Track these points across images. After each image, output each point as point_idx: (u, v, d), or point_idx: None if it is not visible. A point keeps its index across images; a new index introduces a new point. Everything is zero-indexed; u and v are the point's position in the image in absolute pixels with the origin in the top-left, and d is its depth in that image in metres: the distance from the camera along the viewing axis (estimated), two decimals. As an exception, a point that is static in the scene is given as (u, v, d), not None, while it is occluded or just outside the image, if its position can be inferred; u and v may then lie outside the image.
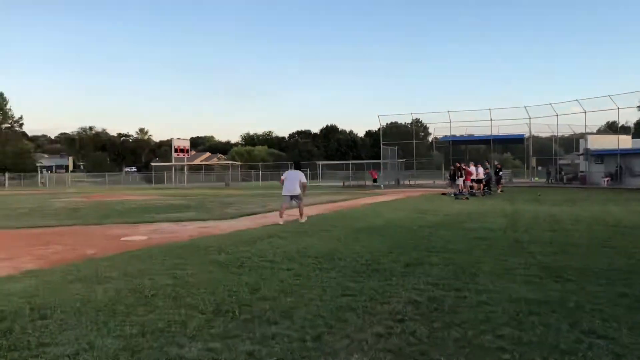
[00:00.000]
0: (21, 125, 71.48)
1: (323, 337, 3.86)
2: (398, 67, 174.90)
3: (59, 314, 4.46)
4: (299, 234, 9.93)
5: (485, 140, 44.53)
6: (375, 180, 43.15)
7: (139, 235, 10.15)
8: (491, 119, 41.98)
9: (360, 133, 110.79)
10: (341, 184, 43.36)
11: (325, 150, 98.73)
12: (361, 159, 65.26)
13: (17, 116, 70.11)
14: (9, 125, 69.16)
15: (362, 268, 6.45)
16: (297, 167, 13.42)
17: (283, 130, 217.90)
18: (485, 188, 26.80)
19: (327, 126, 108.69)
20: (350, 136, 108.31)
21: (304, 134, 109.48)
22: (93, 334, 3.92)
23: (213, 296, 5.05)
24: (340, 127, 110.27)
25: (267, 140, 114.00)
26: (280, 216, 12.28)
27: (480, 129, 44.01)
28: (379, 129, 52.01)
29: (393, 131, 53.46)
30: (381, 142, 44.04)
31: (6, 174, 65.39)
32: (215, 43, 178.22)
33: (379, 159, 43.89)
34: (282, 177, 12.99)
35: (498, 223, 11.75)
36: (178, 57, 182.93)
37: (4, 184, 63.92)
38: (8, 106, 68.61)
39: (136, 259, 7.22)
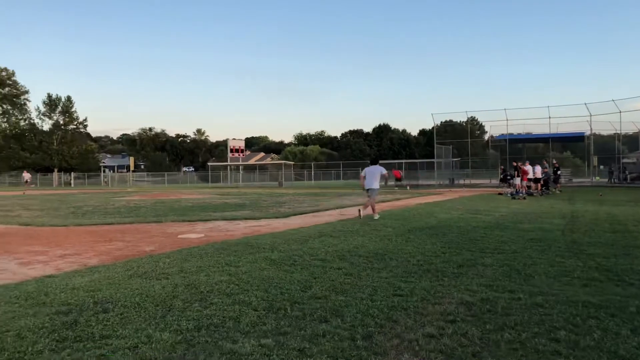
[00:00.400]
0: (85, 126, 74.73)
1: (373, 336, 3.87)
2: (452, 64, 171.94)
3: (120, 307, 4.67)
4: (350, 233, 9.95)
5: (544, 139, 43.09)
6: (398, 180, 42.61)
7: (195, 233, 10.45)
8: (550, 117, 40.56)
9: (414, 132, 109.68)
10: (393, 183, 43.04)
11: (378, 149, 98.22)
12: (414, 158, 64.56)
13: (81, 118, 73.34)
14: (75, 127, 72.40)
15: (413, 268, 6.41)
16: (375, 162, 13.63)
17: (335, 129, 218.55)
18: (543, 188, 25.96)
19: (379, 125, 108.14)
20: (403, 135, 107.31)
21: (356, 133, 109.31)
22: (151, 328, 4.09)
23: (265, 293, 5.15)
24: (393, 126, 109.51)
25: (320, 139, 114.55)
26: (374, 211, 12.96)
27: (539, 127, 42.74)
28: (432, 128, 51.20)
29: (447, 129, 52.65)
30: (435, 140, 43.36)
31: (72, 174, 68.69)
32: (267, 45, 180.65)
33: (433, 157, 43.26)
34: (362, 174, 13.51)
35: (556, 224, 11.37)
36: (234, 60, 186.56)
37: (70, 183, 67.14)
38: (74, 108, 71.88)
39: (193, 255, 7.44)
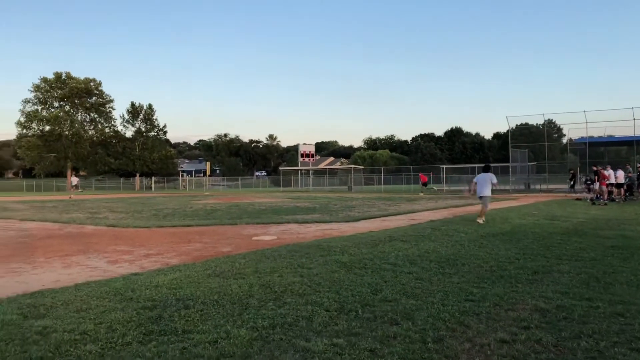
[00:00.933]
0: (165, 133, 78.23)
1: (445, 339, 3.89)
2: (526, 65, 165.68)
3: (200, 304, 4.94)
4: (422, 238, 9.90)
5: (628, 142, 40.59)
6: (425, 184, 41.96)
7: (269, 235, 10.76)
8: (634, 119, 38.22)
9: (487, 135, 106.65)
10: (467, 187, 42.25)
11: (450, 153, 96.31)
12: (488, 162, 62.71)
13: (161, 124, 76.82)
14: (155, 134, 75.96)
15: (486, 274, 6.32)
16: (487, 169, 13.64)
17: (405, 133, 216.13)
18: (627, 193, 24.52)
19: (451, 129, 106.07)
20: (476, 139, 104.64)
21: (427, 137, 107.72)
22: (229, 324, 4.31)
23: (337, 295, 5.27)
24: (465, 129, 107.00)
25: (389, 143, 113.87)
26: (480, 215, 13.05)
27: (621, 130, 40.13)
28: (507, 131, 49.57)
29: (523, 132, 50.73)
30: (510, 144, 41.98)
31: (152, 178, 72.04)
32: (338, 51, 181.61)
33: (508, 162, 41.88)
34: (474, 181, 13.76)
35: (639, 231, 10.78)
36: (304, 66, 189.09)
37: (151, 187, 70.43)
38: (155, 116, 75.50)
39: (266, 257, 7.69)
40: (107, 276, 6.57)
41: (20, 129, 70.63)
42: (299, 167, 64.77)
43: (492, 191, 13.67)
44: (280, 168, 75.62)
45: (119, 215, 17.60)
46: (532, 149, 43.81)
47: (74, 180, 46.30)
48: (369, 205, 21.86)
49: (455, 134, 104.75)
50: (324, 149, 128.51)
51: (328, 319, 4.44)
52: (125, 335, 4.03)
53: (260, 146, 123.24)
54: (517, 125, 51.21)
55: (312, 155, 65.91)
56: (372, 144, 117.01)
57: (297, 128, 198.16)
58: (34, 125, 69.92)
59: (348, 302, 4.98)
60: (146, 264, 7.46)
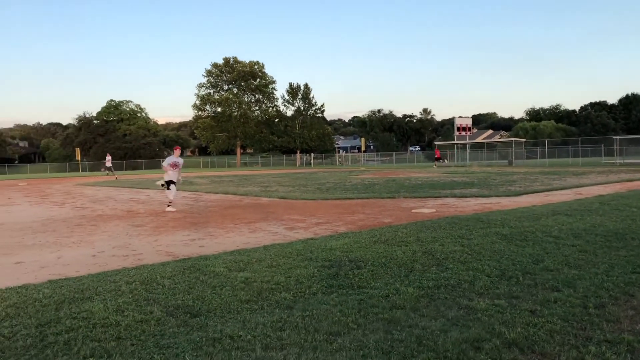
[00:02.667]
0: (322, 111, 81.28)
1: (606, 306, 4.04)
2: None
3: (370, 266, 5.57)
4: (588, 212, 9.55)
5: None
6: (438, 159, 41.76)
7: (427, 208, 11.15)
8: None
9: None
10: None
11: (625, 122, 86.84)
12: (674, 131, 55.49)
13: (319, 104, 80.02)
14: (313, 112, 79.36)
15: (659, 249, 6.10)
16: None
17: (573, 102, 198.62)
18: None
19: (627, 95, 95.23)
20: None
21: (599, 106, 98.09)
22: (398, 283, 4.87)
23: (497, 263, 5.55)
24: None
25: (555, 114, 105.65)
26: None
27: None
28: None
29: None
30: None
31: (311, 154, 75.64)
32: (498, 16, 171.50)
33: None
34: None
35: None
36: (456, 33, 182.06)
37: (310, 163, 74.07)
38: (312, 95, 78.80)
39: (427, 227, 8.13)
40: (287, 240, 7.55)
41: (196, 111, 78.53)
42: (455, 142, 63.26)
43: None
44: (435, 142, 74.57)
45: (288, 188, 19.18)
46: None
47: (108, 161, 39.36)
48: (532, 180, 21.02)
49: (632, 101, 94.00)
50: (482, 121, 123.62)
51: (489, 283, 4.79)
52: (310, 287, 4.80)
53: (414, 121, 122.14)
54: None
55: (469, 129, 63.83)
56: (535, 115, 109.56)
57: (452, 101, 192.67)
58: (207, 107, 77.19)
59: (509, 270, 5.25)
60: (318, 231, 8.35)
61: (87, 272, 5.82)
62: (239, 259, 6.09)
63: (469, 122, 63.79)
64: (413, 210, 10.86)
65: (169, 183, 12.60)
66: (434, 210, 10.83)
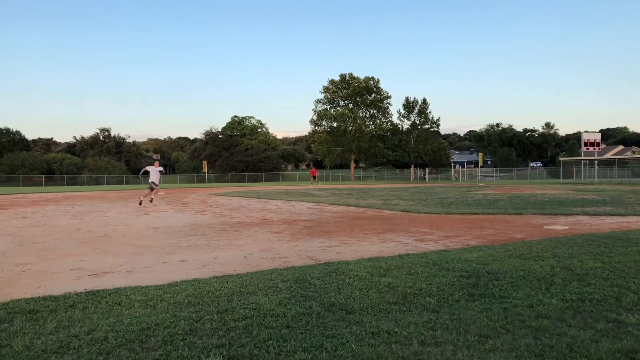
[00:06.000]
0: (438, 125, 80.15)
1: None
2: None
3: (509, 278, 5.71)
4: None
5: None
6: (314, 178, 39.35)
7: (559, 225, 10.87)
8: None
9: None
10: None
11: None
12: None
13: (435, 118, 79.07)
14: (429, 126, 78.52)
15: None
16: None
17: None
18: None
19: None
20: None
21: None
22: (540, 295, 4.98)
23: (644, 281, 5.45)
24: None
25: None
26: None
27: None
28: None
29: None
30: None
31: (426, 169, 74.80)
32: (620, 27, 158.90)
33: None
34: None
35: None
36: (582, 46, 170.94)
37: (424, 178, 73.27)
38: (428, 110, 78.07)
39: (562, 244, 8.01)
40: (420, 250, 7.84)
41: (313, 126, 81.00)
42: (582, 158, 59.41)
43: None
44: (560, 158, 70.48)
45: (408, 202, 19.39)
46: None
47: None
48: (674, 199, 19.38)
49: None
50: (611, 136, 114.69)
51: (637, 300, 4.75)
52: (452, 294, 5.06)
53: (536, 135, 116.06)
54: None
55: (598, 144, 59.67)
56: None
57: (577, 114, 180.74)
58: (323, 122, 79.35)
59: (659, 289, 5.14)
60: (449, 243, 8.54)
61: (243, 270, 6.54)
62: (378, 266, 6.49)
63: (598, 137, 59.67)
64: (545, 227, 10.64)
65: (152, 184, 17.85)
66: (567, 227, 10.53)
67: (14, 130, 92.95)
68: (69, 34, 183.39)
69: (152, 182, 17.98)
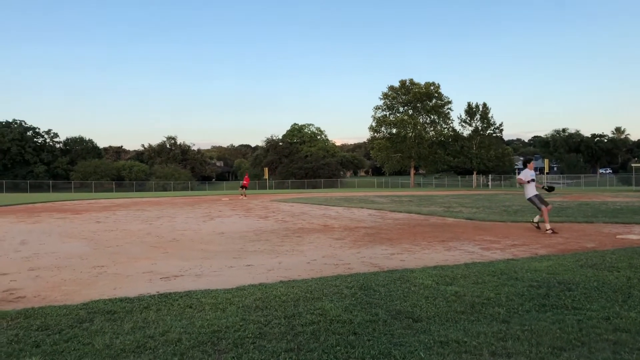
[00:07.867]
0: (501, 131, 78.09)
1: None
2: None
3: (582, 289, 5.49)
4: None
5: None
6: (245, 188, 33.21)
7: (634, 235, 10.35)
8: None
9: None
10: None
11: None
12: None
13: (497, 123, 77.07)
14: (491, 132, 76.61)
15: None
16: None
17: None
18: None
19: None
20: None
21: None
22: (617, 307, 4.77)
23: None
24: None
25: None
26: None
27: None
28: None
29: None
30: None
31: (489, 176, 72.97)
32: None
33: None
34: None
35: None
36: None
37: (487, 184, 71.48)
38: (490, 114, 76.22)
39: (638, 254, 7.63)
40: (486, 259, 7.68)
41: (372, 133, 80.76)
42: (658, 163, 56.21)
43: None
44: (633, 164, 66.97)
45: (471, 209, 18.98)
46: None
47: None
48: None
49: None
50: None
51: None
52: (522, 305, 4.93)
53: (605, 140, 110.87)
54: None
55: (676, 149, 56.27)
56: None
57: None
58: (382, 128, 78.99)
59: None
60: (517, 252, 8.32)
61: (307, 276, 6.62)
62: (443, 274, 6.41)
63: (676, 142, 56.21)
64: (618, 236, 10.16)
65: None
66: (644, 237, 10.02)
67: (87, 139, 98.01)
68: (138, 47, 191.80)
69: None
